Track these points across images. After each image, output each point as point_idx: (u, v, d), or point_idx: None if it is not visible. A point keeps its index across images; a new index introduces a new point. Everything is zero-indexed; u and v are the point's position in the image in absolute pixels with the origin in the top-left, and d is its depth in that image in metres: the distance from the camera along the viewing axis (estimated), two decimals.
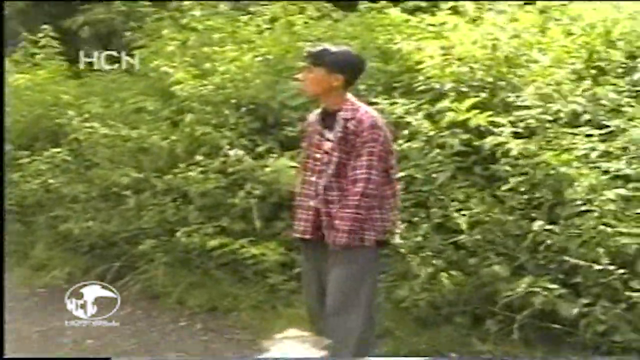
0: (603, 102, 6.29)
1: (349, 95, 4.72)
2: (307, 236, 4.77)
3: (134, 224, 7.90)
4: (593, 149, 5.73)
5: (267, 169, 7.18)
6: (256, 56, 8.32)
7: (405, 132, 6.66)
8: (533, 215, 5.83)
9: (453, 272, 5.96)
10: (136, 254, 7.79)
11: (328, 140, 4.67)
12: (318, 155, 4.72)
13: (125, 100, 8.78)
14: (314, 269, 4.87)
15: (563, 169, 5.57)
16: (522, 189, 5.89)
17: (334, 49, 4.74)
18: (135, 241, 7.84)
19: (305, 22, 8.29)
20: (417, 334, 6.10)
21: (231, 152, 7.44)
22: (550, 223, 5.64)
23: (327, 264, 4.71)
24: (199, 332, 6.87)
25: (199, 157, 7.68)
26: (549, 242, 5.52)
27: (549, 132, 6.02)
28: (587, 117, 6.14)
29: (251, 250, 6.86)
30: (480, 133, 6.40)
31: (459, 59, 7.06)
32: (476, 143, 6.26)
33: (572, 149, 5.80)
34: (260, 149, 7.56)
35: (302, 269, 5.14)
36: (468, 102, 6.34)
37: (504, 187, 5.94)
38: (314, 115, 4.86)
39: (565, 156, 5.67)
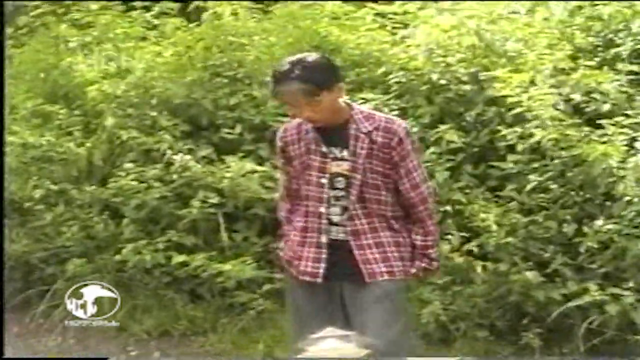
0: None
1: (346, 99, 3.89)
2: (319, 280, 3.83)
3: (52, 242, 6.90)
4: (635, 139, 5.41)
5: (227, 175, 6.45)
6: (178, 52, 7.51)
7: None
8: (561, 215, 5.50)
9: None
10: (58, 276, 6.80)
11: (342, 160, 3.78)
12: (324, 181, 3.80)
13: (18, 106, 7.69)
14: (324, 312, 3.86)
15: (611, 162, 5.21)
16: (547, 187, 5.53)
17: (312, 62, 3.70)
18: (57, 261, 6.85)
19: (234, 14, 7.57)
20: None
21: (176, 158, 6.64)
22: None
23: (352, 302, 3.83)
24: None
25: (128, 165, 6.82)
26: (610, 243, 5.21)
27: (562, 124, 5.65)
28: (607, 107, 5.83)
29: (224, 267, 6.11)
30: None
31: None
32: (503, 132, 5.82)
33: (610, 140, 5.47)
34: (203, 153, 6.82)
35: (298, 312, 4.03)
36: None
37: (528, 187, 5.55)
38: (295, 130, 3.87)
39: (609, 148, 5.32)
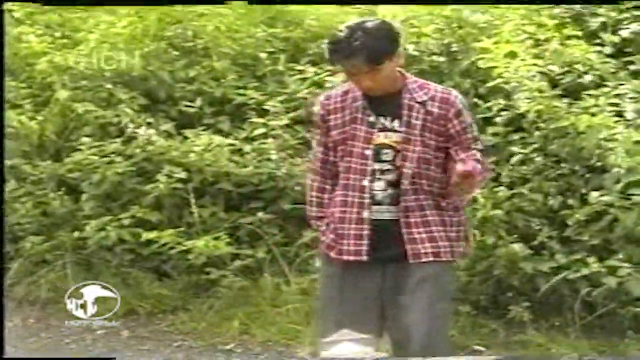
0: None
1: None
2: (364, 258, 3.55)
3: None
4: (621, 111, 5.42)
5: (195, 149, 6.26)
6: (132, 23, 7.24)
7: None
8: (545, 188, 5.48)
9: None
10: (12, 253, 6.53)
11: (392, 130, 3.53)
12: (368, 152, 3.54)
13: None
14: (369, 296, 3.61)
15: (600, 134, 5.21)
16: (532, 159, 5.51)
17: (373, 28, 3.45)
18: (11, 239, 6.55)
19: None
20: None
21: (139, 132, 6.42)
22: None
23: (395, 284, 3.59)
24: (134, 340, 5.89)
25: (86, 139, 6.56)
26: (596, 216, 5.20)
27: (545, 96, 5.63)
28: (588, 78, 5.83)
29: (196, 243, 5.93)
30: None
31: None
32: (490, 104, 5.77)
33: (598, 112, 5.46)
34: (163, 127, 6.61)
35: (335, 299, 3.70)
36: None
37: (513, 159, 5.53)
38: (340, 97, 3.63)
39: (596, 120, 5.31)
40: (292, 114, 6.58)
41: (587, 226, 5.33)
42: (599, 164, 5.40)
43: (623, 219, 5.04)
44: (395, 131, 3.51)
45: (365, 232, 3.54)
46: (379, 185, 3.53)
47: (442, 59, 6.33)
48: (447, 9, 6.48)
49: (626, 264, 5.04)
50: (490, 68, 5.84)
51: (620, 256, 5.13)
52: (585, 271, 5.07)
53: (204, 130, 6.56)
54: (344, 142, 3.58)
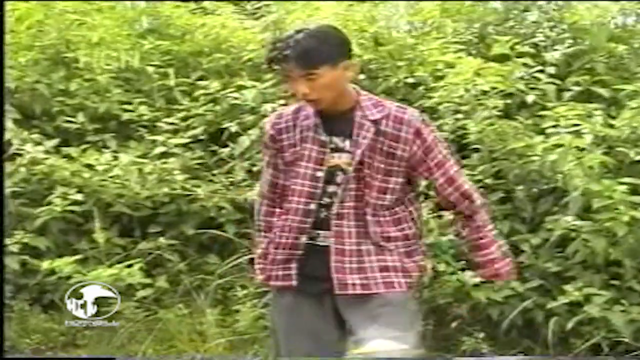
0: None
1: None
2: (294, 282, 3.27)
3: None
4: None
5: (98, 169, 5.75)
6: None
7: None
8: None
9: None
10: None
11: (343, 151, 3.23)
12: (319, 174, 3.24)
13: None
14: (312, 328, 3.33)
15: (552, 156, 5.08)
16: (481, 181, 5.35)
17: (314, 32, 3.15)
18: None
19: None
20: None
21: (28, 149, 5.80)
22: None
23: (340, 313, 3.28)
24: None
25: None
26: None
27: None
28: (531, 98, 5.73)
29: (103, 273, 5.35)
30: None
31: None
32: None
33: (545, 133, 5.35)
34: (50, 144, 6.02)
35: (280, 324, 3.43)
36: None
37: None
38: (291, 116, 3.34)
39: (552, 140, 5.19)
40: (190, 132, 6.16)
41: (543, 252, 5.19)
42: (550, 186, 5.30)
43: (594, 244, 4.87)
44: (346, 151, 3.21)
45: (296, 257, 3.25)
46: (330, 210, 3.23)
47: (362, 76, 6.03)
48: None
49: (604, 292, 4.88)
50: (417, 85, 5.65)
51: (580, 284, 4.97)
52: (563, 299, 4.88)
53: (87, 148, 6.02)
54: (294, 163, 3.28)
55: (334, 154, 3.20)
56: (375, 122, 3.18)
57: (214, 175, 6.00)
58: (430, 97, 5.63)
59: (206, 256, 5.92)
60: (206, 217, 5.90)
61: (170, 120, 6.21)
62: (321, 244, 3.22)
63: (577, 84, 5.97)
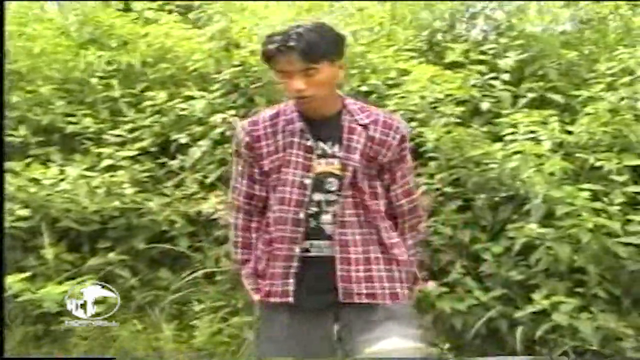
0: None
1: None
2: (289, 299, 3.16)
3: None
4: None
5: (45, 183, 5.54)
6: None
7: None
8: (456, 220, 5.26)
9: None
10: None
11: (333, 156, 3.15)
12: (307, 181, 3.14)
13: None
14: (308, 344, 3.24)
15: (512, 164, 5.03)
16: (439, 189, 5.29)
17: (315, 27, 3.06)
18: None
19: None
20: None
21: None
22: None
23: (340, 325, 3.21)
24: None
25: None
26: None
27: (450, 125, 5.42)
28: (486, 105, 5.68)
29: (53, 291, 5.14)
30: None
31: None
32: None
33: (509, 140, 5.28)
34: None
35: (271, 337, 3.28)
36: None
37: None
38: (269, 122, 3.22)
39: (511, 147, 5.12)
40: (138, 144, 5.99)
41: (505, 260, 5.12)
42: (509, 194, 5.24)
43: (558, 251, 4.81)
44: (337, 157, 3.14)
45: (292, 271, 3.16)
46: (326, 218, 3.15)
47: None
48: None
49: (571, 300, 4.80)
50: (370, 93, 5.58)
51: (544, 292, 4.92)
52: (530, 309, 4.78)
53: (30, 162, 5.81)
54: (277, 171, 3.17)
55: (320, 160, 3.13)
56: (366, 127, 3.14)
57: (165, 187, 5.85)
58: (384, 105, 5.53)
59: (158, 271, 5.76)
60: (157, 231, 5.74)
61: (116, 132, 6.02)
62: (317, 254, 3.14)
63: (530, 90, 5.93)
